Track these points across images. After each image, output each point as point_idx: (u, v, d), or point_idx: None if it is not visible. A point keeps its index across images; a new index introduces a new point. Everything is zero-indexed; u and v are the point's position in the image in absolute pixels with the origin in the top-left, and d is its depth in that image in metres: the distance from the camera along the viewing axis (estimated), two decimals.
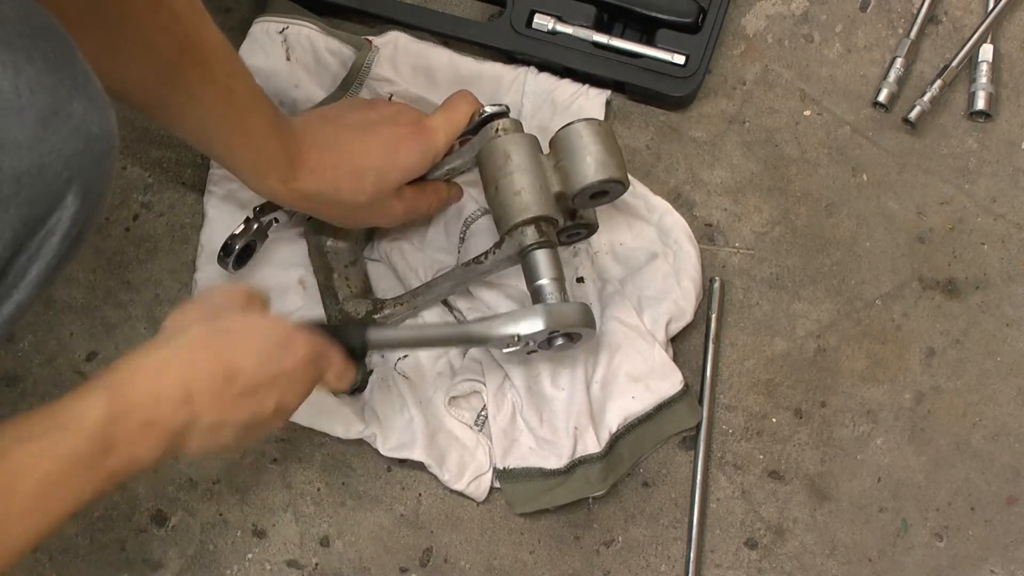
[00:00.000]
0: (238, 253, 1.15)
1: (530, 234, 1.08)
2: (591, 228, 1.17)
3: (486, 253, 1.11)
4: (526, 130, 1.20)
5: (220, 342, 0.89)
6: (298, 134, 1.07)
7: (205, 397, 0.86)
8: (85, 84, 0.78)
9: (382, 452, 1.17)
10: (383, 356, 1.20)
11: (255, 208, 1.15)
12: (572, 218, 1.13)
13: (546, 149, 1.11)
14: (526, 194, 1.07)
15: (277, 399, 0.91)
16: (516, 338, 1.06)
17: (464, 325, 1.09)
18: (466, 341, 1.09)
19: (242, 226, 1.15)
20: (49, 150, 0.76)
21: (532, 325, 1.06)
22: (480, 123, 1.12)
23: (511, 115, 1.13)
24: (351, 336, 1.01)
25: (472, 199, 1.21)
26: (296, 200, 1.09)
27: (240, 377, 0.88)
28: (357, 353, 1.01)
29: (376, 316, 1.15)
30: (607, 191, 1.09)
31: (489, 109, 1.12)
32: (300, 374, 0.93)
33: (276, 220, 1.16)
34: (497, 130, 1.10)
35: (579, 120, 1.08)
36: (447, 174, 1.16)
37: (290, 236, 1.22)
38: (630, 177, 1.22)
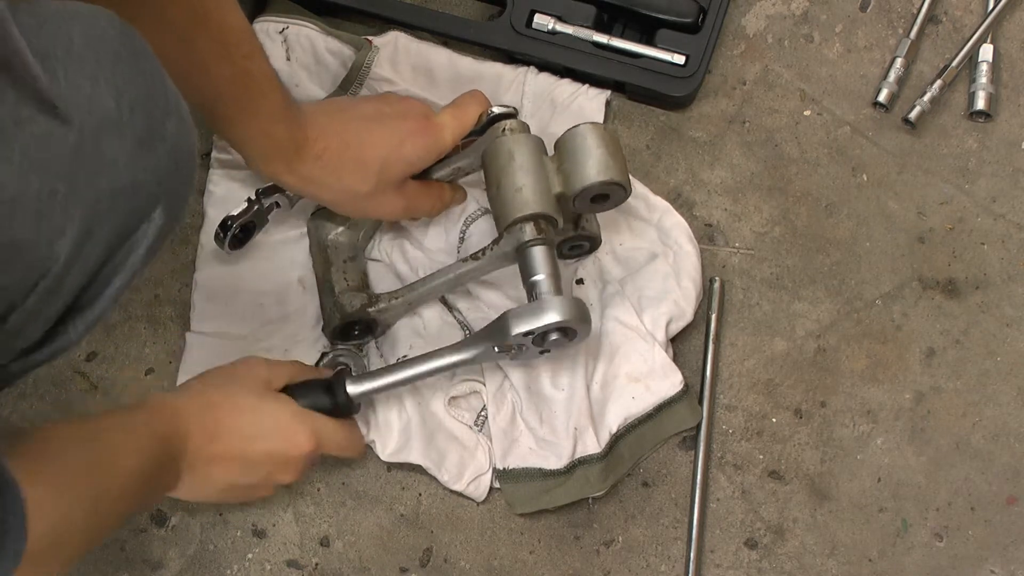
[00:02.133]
0: (236, 234, 1.15)
1: (528, 230, 1.08)
2: (594, 241, 1.16)
3: (484, 249, 1.11)
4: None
5: (227, 413, 1.02)
6: (307, 120, 1.07)
7: (200, 452, 1.00)
8: (177, 105, 0.81)
9: (382, 458, 1.17)
10: (382, 357, 1.20)
11: (257, 190, 1.15)
12: (575, 227, 1.13)
13: (551, 152, 1.11)
14: (527, 191, 1.07)
15: (266, 475, 1.05)
16: (495, 349, 1.07)
17: (445, 354, 1.09)
18: (453, 367, 1.10)
19: (244, 206, 1.15)
20: (144, 167, 0.79)
21: (503, 334, 1.06)
22: (488, 123, 1.12)
23: (509, 105, 1.13)
24: (335, 395, 1.08)
25: (473, 199, 1.21)
26: (299, 184, 1.09)
27: (234, 450, 1.01)
28: (342, 409, 1.09)
29: (371, 309, 1.15)
30: (608, 195, 1.08)
31: (497, 110, 1.12)
32: (296, 463, 1.06)
33: (278, 204, 1.16)
34: (504, 130, 1.10)
35: (584, 123, 1.08)
36: (452, 174, 1.16)
37: (292, 236, 1.22)
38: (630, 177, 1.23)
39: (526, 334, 1.05)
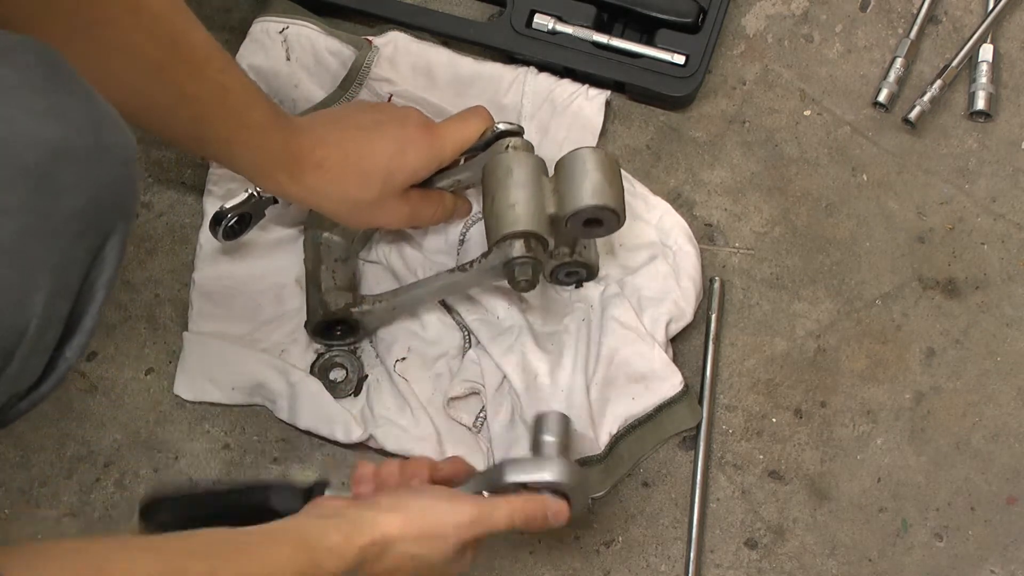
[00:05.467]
0: (233, 225, 1.15)
1: (518, 247, 1.08)
2: (591, 270, 1.16)
3: (472, 261, 1.11)
4: (525, 131, 1.20)
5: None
6: (302, 131, 1.07)
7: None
8: (109, 112, 0.81)
9: (386, 448, 1.17)
10: (377, 356, 1.20)
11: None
12: (571, 252, 1.13)
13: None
14: (519, 208, 1.07)
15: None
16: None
17: None
18: None
19: (242, 197, 1.15)
20: (99, 183, 0.79)
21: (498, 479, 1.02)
22: (492, 139, 1.12)
23: (514, 123, 1.13)
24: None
25: (474, 201, 1.21)
26: (302, 195, 1.09)
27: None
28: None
29: (354, 310, 1.15)
30: (601, 220, 1.07)
31: (502, 126, 1.12)
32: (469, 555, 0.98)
33: (276, 200, 1.16)
34: (507, 147, 1.10)
35: (584, 147, 1.08)
36: (453, 185, 1.16)
37: (290, 236, 1.22)
38: (630, 177, 1.23)
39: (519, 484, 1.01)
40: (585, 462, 1.14)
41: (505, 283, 1.11)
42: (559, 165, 1.09)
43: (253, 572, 0.85)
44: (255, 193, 1.15)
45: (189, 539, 0.85)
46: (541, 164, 1.10)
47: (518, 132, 1.12)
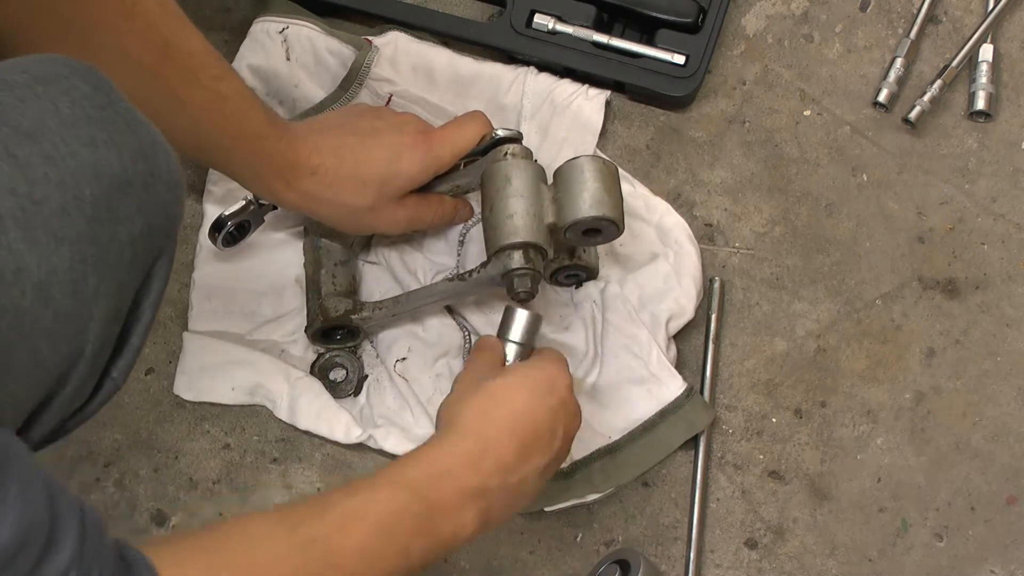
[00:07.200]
0: (232, 232, 1.16)
1: (516, 258, 1.07)
2: (591, 272, 1.16)
3: (471, 271, 1.11)
4: (525, 131, 1.20)
5: (492, 409, 0.96)
6: (298, 137, 1.07)
7: (491, 460, 0.93)
8: (158, 136, 0.82)
9: (385, 448, 1.17)
10: (377, 356, 1.20)
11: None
12: (571, 257, 1.13)
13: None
14: (518, 219, 1.07)
15: (563, 432, 0.98)
16: None
17: None
18: None
19: (240, 204, 1.15)
20: (153, 211, 0.80)
21: None
22: (490, 145, 1.12)
23: (513, 129, 1.13)
24: None
25: (474, 204, 1.21)
26: (299, 201, 1.09)
27: (522, 433, 0.95)
28: None
29: (354, 316, 1.15)
30: (600, 229, 1.07)
31: (501, 132, 1.12)
32: (572, 402, 1.00)
33: (275, 207, 1.16)
34: (506, 154, 1.10)
35: (583, 155, 1.07)
36: (452, 190, 1.16)
37: (290, 235, 1.22)
38: (630, 177, 1.23)
39: None
40: (586, 463, 1.14)
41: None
42: (557, 174, 1.08)
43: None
44: (253, 200, 1.15)
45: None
46: (540, 172, 1.10)
47: (517, 139, 1.12)
